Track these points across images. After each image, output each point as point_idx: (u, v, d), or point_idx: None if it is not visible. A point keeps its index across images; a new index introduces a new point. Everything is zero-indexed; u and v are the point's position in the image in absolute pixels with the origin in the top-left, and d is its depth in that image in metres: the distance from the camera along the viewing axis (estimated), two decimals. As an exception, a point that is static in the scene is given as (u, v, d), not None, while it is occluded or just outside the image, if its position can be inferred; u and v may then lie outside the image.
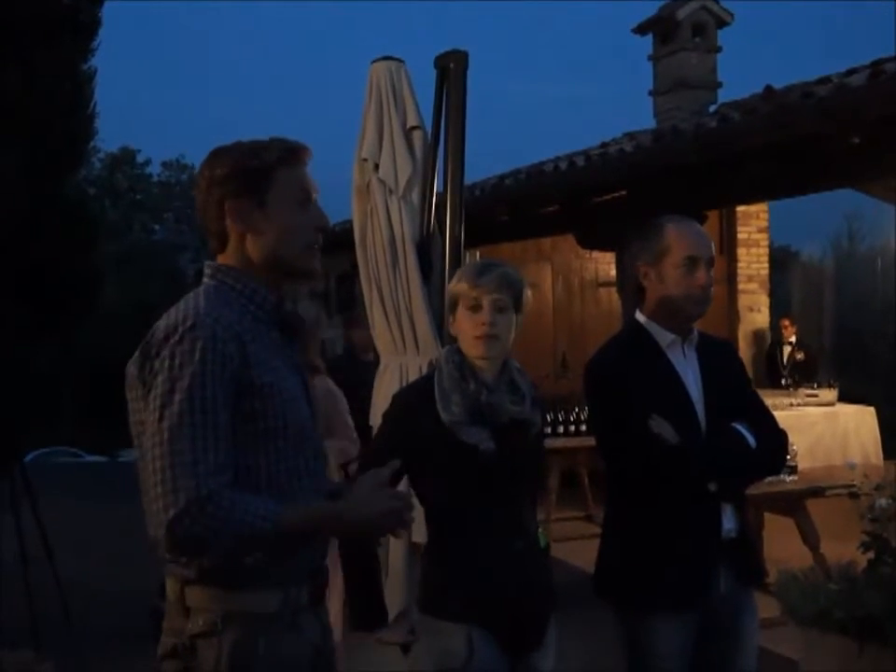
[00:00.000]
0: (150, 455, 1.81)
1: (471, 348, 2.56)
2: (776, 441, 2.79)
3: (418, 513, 3.59)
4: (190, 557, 1.87)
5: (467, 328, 2.55)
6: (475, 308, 2.53)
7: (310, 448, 2.03)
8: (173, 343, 1.85)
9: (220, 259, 2.05)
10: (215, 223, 2.02)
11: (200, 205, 2.04)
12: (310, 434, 2.04)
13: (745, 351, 10.14)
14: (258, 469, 1.91)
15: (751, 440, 2.66)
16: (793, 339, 10.33)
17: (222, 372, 1.84)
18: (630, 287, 2.89)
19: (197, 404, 1.81)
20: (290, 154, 2.03)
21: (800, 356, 10.22)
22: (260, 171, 1.99)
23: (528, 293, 2.62)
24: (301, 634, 2.00)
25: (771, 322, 10.71)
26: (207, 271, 2.05)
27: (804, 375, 9.84)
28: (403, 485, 2.86)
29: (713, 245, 2.82)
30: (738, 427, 2.68)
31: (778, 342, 10.39)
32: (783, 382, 9.86)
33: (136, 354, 1.92)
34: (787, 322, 10.41)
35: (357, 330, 6.26)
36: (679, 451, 2.60)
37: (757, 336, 10.68)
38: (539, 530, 2.67)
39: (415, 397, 2.62)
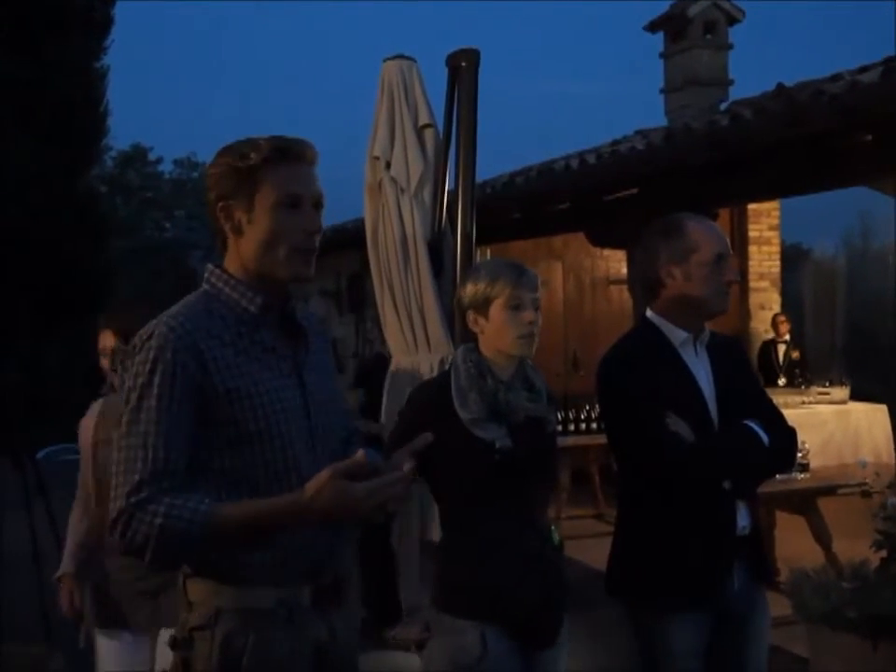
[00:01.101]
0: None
1: (513, 348, 2.57)
2: (787, 438, 2.79)
3: (432, 511, 3.60)
4: (137, 558, 1.85)
5: (509, 327, 2.55)
6: (518, 307, 2.55)
7: (300, 450, 1.99)
8: (134, 355, 1.90)
9: (226, 259, 2.05)
10: (214, 223, 2.03)
11: (207, 204, 2.06)
12: (299, 436, 2.00)
13: (756, 349, 10.10)
14: (233, 471, 1.91)
15: (765, 437, 2.66)
16: (787, 337, 10.07)
17: (172, 381, 1.86)
18: (643, 286, 2.89)
19: (143, 414, 1.84)
20: (281, 153, 1.97)
21: (795, 354, 10.03)
22: (246, 172, 1.96)
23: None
24: (300, 633, 1.99)
25: (788, 320, 10.61)
26: (205, 274, 2.06)
27: (800, 374, 9.65)
28: (416, 485, 2.89)
29: None
30: (751, 424, 2.68)
31: (772, 340, 10.12)
32: (779, 381, 9.59)
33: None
34: (782, 319, 10.14)
35: None
36: (695, 449, 2.60)
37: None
38: (553, 527, 2.68)
39: (431, 395, 2.63)
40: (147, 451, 1.82)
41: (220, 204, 1.99)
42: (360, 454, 1.84)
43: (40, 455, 11.21)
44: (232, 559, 1.91)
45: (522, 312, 2.55)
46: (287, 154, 1.98)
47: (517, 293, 2.55)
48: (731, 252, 2.79)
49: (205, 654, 1.92)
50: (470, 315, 2.63)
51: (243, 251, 2.00)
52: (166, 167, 38.38)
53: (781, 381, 9.61)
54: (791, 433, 2.80)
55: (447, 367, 2.73)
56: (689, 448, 2.60)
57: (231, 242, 2.02)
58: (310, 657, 2.01)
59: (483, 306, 2.59)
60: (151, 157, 37.94)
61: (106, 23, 13.30)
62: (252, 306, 2.00)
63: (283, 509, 1.82)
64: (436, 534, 3.33)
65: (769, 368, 9.85)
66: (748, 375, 2.91)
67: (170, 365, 1.86)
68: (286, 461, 1.96)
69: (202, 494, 1.84)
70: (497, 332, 2.58)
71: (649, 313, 2.83)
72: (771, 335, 10.24)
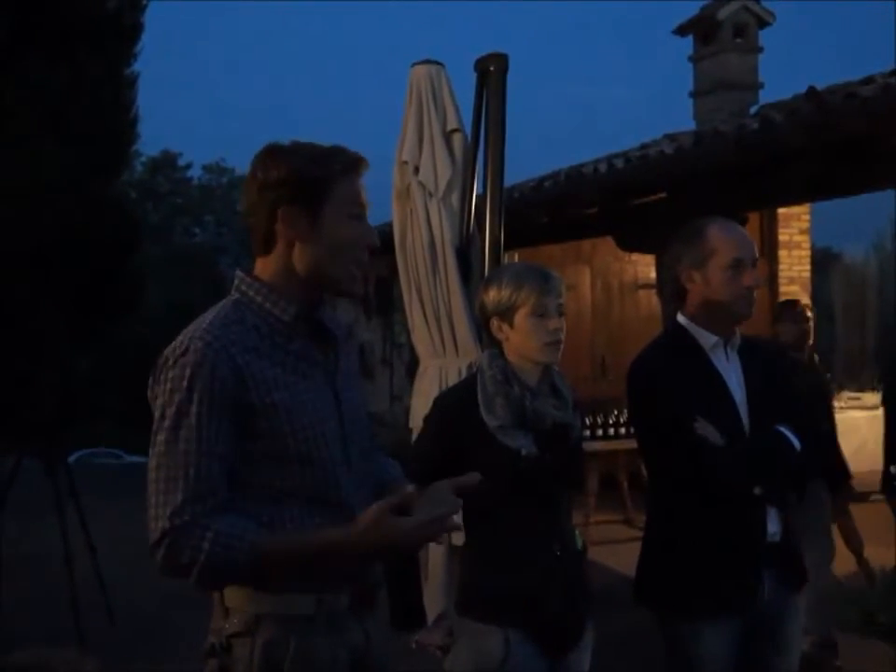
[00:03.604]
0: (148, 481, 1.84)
1: (540, 355, 2.55)
2: (820, 444, 2.76)
3: (457, 514, 3.60)
4: (180, 578, 1.85)
5: (535, 335, 2.53)
6: (543, 314, 2.52)
7: (337, 461, 1.97)
8: (167, 369, 1.85)
9: (261, 263, 2.01)
10: (263, 225, 1.97)
11: (248, 205, 1.99)
12: (335, 447, 1.98)
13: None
14: (270, 486, 1.90)
15: (796, 443, 2.64)
16: None
17: (211, 397, 1.82)
18: (669, 290, 2.88)
19: (182, 432, 1.81)
20: (351, 166, 1.99)
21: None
22: (320, 181, 1.94)
23: None
24: (339, 638, 1.99)
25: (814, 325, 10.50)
26: (235, 282, 2.02)
27: (832, 378, 9.47)
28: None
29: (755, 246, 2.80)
30: (783, 429, 2.66)
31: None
32: None
33: (150, 375, 1.92)
34: None
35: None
36: (724, 454, 2.59)
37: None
38: (576, 532, 2.67)
39: (457, 401, 2.62)
40: (189, 469, 1.80)
41: (284, 208, 1.93)
42: (410, 489, 1.91)
43: (72, 458, 11.33)
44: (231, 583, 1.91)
45: (547, 319, 2.52)
46: (357, 167, 2.00)
47: (542, 300, 2.52)
48: (755, 257, 2.75)
49: (245, 661, 1.91)
50: (494, 323, 2.60)
51: (298, 258, 1.97)
52: (195, 173, 38.65)
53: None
54: (824, 439, 2.77)
55: (474, 371, 2.72)
56: (717, 453, 2.58)
57: (280, 246, 1.97)
58: (348, 662, 2.01)
59: (507, 313, 2.56)
60: (180, 163, 38.22)
61: (136, 29, 13.40)
62: (285, 315, 1.96)
63: (330, 543, 1.85)
64: (460, 539, 3.35)
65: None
66: (781, 380, 2.88)
67: (208, 381, 1.82)
68: (325, 473, 1.95)
69: (246, 518, 1.84)
70: (522, 340, 2.56)
71: (679, 317, 2.82)
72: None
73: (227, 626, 1.94)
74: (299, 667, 1.93)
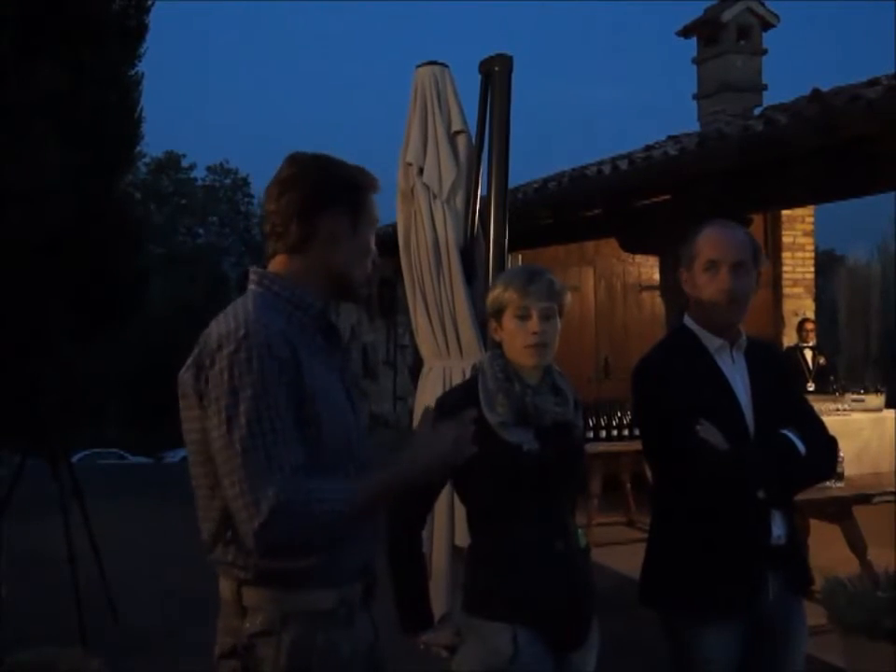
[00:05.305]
0: (226, 469, 1.85)
1: (521, 357, 2.57)
2: (825, 447, 2.75)
3: (461, 515, 3.61)
4: (285, 559, 1.91)
5: (516, 336, 2.56)
6: (524, 317, 2.54)
7: (356, 455, 2.05)
8: (228, 354, 1.87)
9: (286, 260, 2.06)
10: (303, 224, 2.03)
11: (285, 205, 2.03)
12: (355, 442, 2.05)
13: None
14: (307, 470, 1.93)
15: (801, 446, 2.63)
16: (813, 342, 9.85)
17: (280, 378, 1.87)
18: (677, 292, 2.89)
19: (263, 412, 1.84)
20: (374, 182, 2.14)
21: (822, 360, 9.85)
22: (363, 190, 2.10)
23: (568, 296, 2.64)
24: (356, 632, 2.03)
25: (816, 326, 10.52)
26: (253, 277, 2.06)
27: (834, 381, 9.46)
28: (446, 490, 2.89)
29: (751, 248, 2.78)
30: (788, 433, 2.65)
31: (797, 346, 9.85)
32: (808, 387, 9.32)
33: (190, 362, 1.94)
34: (810, 326, 9.93)
35: None
36: (728, 457, 2.58)
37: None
38: (580, 531, 2.68)
39: (459, 400, 2.63)
40: (279, 448, 1.83)
41: (330, 210, 2.03)
42: (472, 411, 2.09)
43: (76, 458, 11.35)
44: (296, 562, 1.93)
45: (527, 321, 2.55)
46: (376, 183, 2.15)
47: (523, 303, 2.55)
48: (738, 259, 2.69)
49: (271, 660, 1.93)
50: (492, 324, 2.65)
51: (336, 257, 2.06)
52: (199, 174, 38.73)
53: (811, 386, 9.48)
54: (830, 442, 2.76)
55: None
56: (720, 456, 2.58)
57: (318, 245, 2.04)
58: (365, 656, 2.05)
59: (497, 315, 2.62)
60: (184, 164, 38.29)
61: (141, 31, 13.43)
62: (311, 311, 2.04)
63: (401, 470, 1.97)
64: (465, 539, 3.36)
65: (798, 373, 9.67)
66: (787, 382, 2.88)
67: (276, 361, 1.87)
68: (351, 458, 2.02)
69: (332, 479, 1.93)
70: (508, 341, 2.59)
71: (686, 319, 2.82)
72: (794, 340, 10.07)
73: (247, 626, 1.95)
74: (324, 663, 1.95)
